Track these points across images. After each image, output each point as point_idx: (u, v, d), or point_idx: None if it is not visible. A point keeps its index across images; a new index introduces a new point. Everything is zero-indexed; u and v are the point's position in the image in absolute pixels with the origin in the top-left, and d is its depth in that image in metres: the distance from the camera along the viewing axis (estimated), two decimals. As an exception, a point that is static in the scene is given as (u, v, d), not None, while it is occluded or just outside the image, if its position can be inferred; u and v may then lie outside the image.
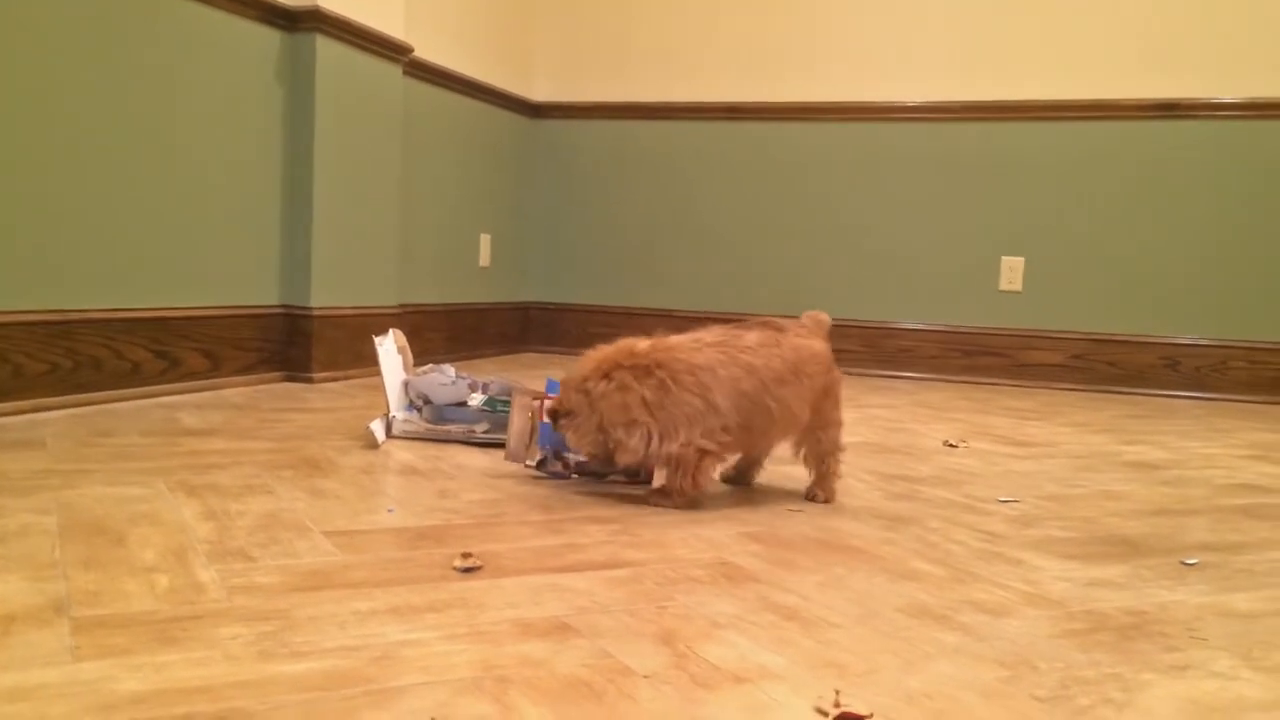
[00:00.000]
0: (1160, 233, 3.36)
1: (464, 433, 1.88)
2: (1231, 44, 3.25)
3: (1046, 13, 3.41)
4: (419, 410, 1.92)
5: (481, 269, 3.67)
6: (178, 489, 1.40)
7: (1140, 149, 3.36)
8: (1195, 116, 3.29)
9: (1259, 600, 1.12)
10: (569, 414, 1.46)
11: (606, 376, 1.44)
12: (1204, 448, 2.27)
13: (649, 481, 1.57)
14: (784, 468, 1.79)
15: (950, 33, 3.51)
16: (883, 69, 3.59)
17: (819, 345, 1.56)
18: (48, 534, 1.15)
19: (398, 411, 1.91)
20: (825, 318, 1.63)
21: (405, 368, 1.99)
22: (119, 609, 0.92)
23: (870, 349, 3.65)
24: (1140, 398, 3.30)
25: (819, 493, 1.55)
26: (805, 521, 1.40)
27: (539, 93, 3.97)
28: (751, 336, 1.49)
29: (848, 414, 2.54)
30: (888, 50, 3.58)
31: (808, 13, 3.65)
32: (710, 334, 1.50)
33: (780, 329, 1.53)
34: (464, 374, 2.01)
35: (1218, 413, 2.98)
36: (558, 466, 1.62)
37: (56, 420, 1.88)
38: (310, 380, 2.59)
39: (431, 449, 1.81)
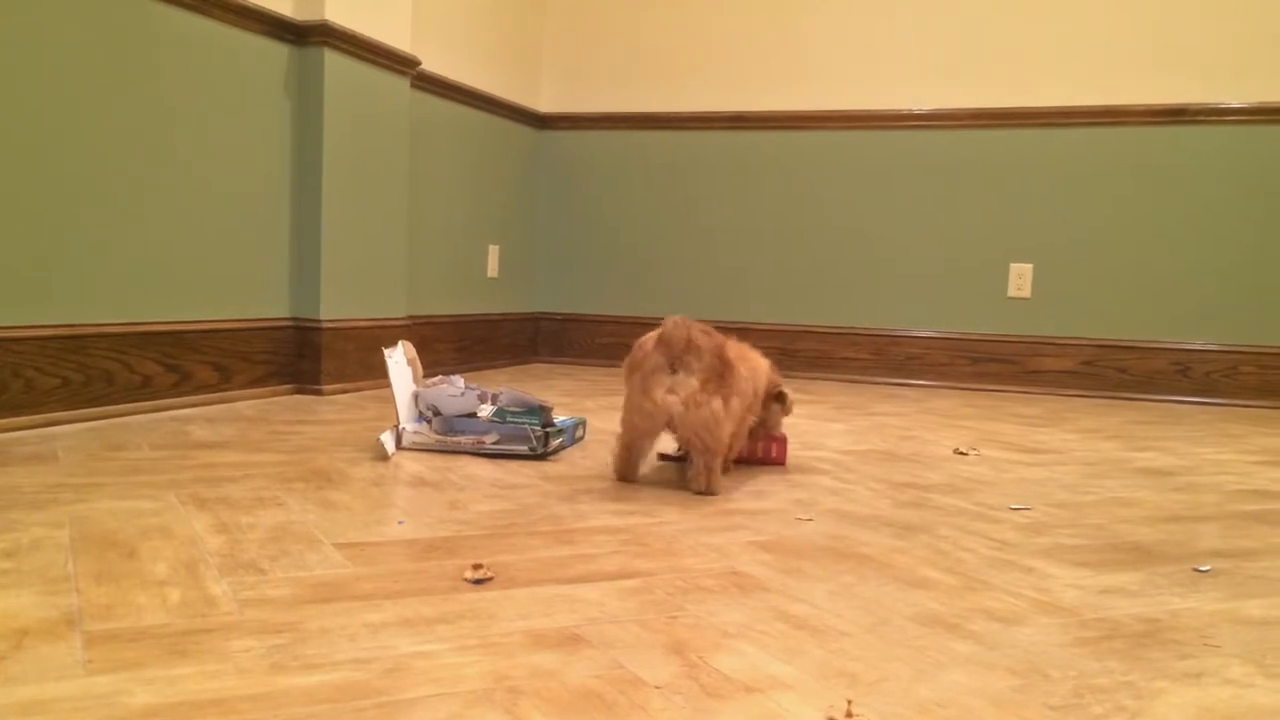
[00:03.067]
0: (1169, 238, 3.35)
1: (473, 444, 1.88)
2: (1239, 49, 3.25)
3: (1054, 19, 3.41)
4: (429, 422, 1.92)
5: (490, 280, 3.68)
6: (189, 502, 1.41)
7: (1149, 154, 3.35)
8: (1204, 122, 3.29)
9: (1273, 607, 1.11)
10: None
11: None
12: (1215, 454, 2.26)
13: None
14: (794, 475, 1.79)
15: (957, 40, 3.51)
16: (889, 77, 3.59)
17: (645, 340, 1.66)
18: (60, 548, 1.16)
19: (407, 423, 1.92)
20: (669, 320, 1.63)
21: (415, 379, 1.99)
22: (131, 622, 0.93)
23: (879, 356, 3.64)
24: (1150, 404, 3.29)
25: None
26: (815, 530, 1.40)
27: (545, 104, 3.99)
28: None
29: (858, 420, 2.55)
30: (895, 58, 3.58)
31: (814, 21, 3.66)
32: None
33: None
34: (473, 385, 2.01)
35: (1228, 418, 2.97)
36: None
37: (68, 434, 1.89)
38: (320, 392, 2.59)
39: (441, 460, 1.81)
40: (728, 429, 1.63)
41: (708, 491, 1.63)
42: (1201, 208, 3.32)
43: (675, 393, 1.59)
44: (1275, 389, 3.27)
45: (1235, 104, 3.25)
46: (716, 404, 1.60)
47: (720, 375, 1.61)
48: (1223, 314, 3.32)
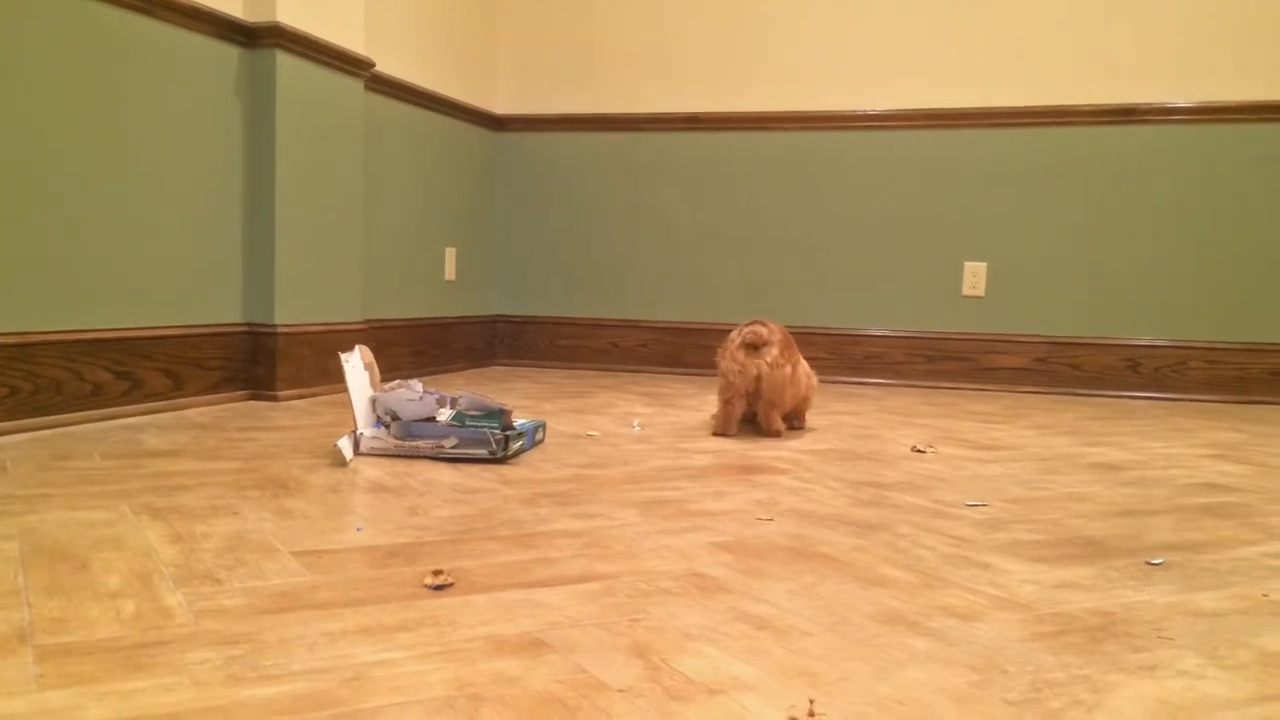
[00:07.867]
0: (1119, 236, 3.41)
1: (432, 448, 1.87)
2: (1185, 50, 3.31)
3: (1005, 21, 3.45)
4: (387, 426, 1.91)
5: (447, 282, 3.66)
6: (142, 512, 1.38)
7: (1098, 154, 3.41)
8: (1151, 121, 3.35)
9: (1224, 599, 1.13)
10: None
11: None
12: (1165, 448, 2.30)
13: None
14: (754, 475, 1.80)
15: (909, 42, 3.54)
16: (843, 78, 3.62)
17: (733, 336, 2.28)
18: (10, 560, 1.13)
19: (365, 428, 1.90)
20: (747, 329, 2.25)
21: (372, 384, 1.98)
22: (84, 636, 0.91)
23: (836, 355, 3.67)
24: (1102, 399, 3.34)
25: None
26: (775, 530, 1.41)
27: (501, 105, 3.97)
28: None
29: (817, 419, 2.57)
30: (849, 60, 3.61)
31: (769, 22, 3.68)
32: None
33: None
34: (431, 389, 2.00)
35: (1178, 413, 3.02)
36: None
37: (16, 444, 1.86)
38: (276, 398, 2.56)
39: (400, 465, 1.80)
40: (791, 390, 2.25)
41: (772, 433, 2.27)
42: (1150, 206, 3.37)
43: (761, 359, 2.19)
44: (1223, 383, 3.34)
45: (1182, 104, 3.31)
46: (788, 369, 2.23)
47: (787, 348, 2.24)
48: (1171, 310, 3.38)
